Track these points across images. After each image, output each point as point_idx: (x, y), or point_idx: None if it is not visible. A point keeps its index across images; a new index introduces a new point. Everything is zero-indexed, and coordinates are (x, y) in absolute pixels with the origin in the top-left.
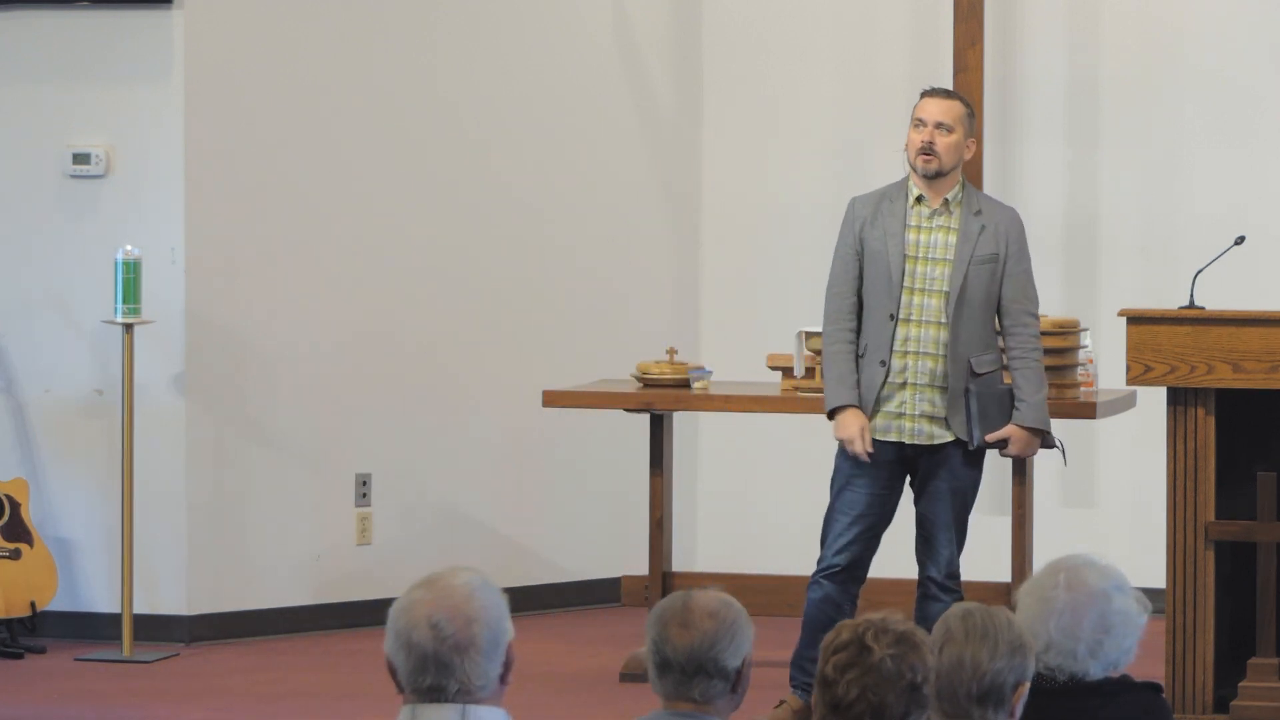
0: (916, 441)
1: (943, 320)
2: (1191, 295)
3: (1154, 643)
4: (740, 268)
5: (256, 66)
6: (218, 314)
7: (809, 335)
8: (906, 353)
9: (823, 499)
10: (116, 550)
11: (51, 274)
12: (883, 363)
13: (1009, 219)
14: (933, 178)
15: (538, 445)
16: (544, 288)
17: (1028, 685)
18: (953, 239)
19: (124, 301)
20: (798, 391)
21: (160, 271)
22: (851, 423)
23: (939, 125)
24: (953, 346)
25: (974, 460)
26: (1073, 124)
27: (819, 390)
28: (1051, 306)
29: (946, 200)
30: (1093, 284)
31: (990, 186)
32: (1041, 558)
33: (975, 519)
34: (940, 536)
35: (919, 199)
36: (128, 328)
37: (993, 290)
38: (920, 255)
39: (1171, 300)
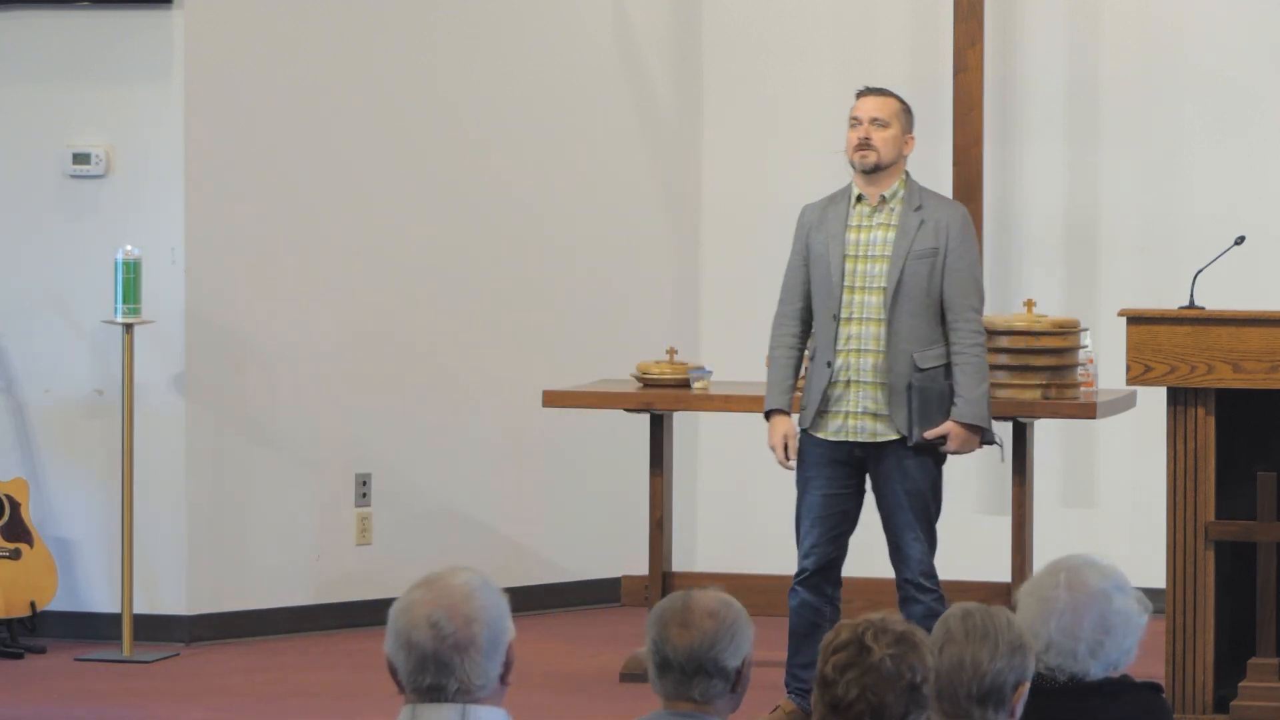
0: (860, 439)
1: (882, 316)
2: (1191, 295)
3: (1154, 643)
4: (740, 268)
5: (256, 66)
6: (218, 314)
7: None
8: (849, 350)
9: None
10: (116, 550)
11: (51, 274)
12: (829, 363)
13: (951, 214)
14: (871, 172)
15: (538, 445)
16: (544, 288)
17: (1028, 685)
18: (891, 235)
19: (124, 301)
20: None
21: (160, 271)
22: (775, 430)
23: (874, 120)
24: (892, 342)
25: (926, 458)
26: (1073, 124)
27: None
28: (1051, 306)
29: (884, 197)
30: (1093, 284)
31: (990, 186)
32: (1041, 558)
33: (975, 519)
34: (905, 537)
35: (859, 198)
36: (128, 328)
37: (934, 285)
38: (860, 254)
39: (1171, 300)
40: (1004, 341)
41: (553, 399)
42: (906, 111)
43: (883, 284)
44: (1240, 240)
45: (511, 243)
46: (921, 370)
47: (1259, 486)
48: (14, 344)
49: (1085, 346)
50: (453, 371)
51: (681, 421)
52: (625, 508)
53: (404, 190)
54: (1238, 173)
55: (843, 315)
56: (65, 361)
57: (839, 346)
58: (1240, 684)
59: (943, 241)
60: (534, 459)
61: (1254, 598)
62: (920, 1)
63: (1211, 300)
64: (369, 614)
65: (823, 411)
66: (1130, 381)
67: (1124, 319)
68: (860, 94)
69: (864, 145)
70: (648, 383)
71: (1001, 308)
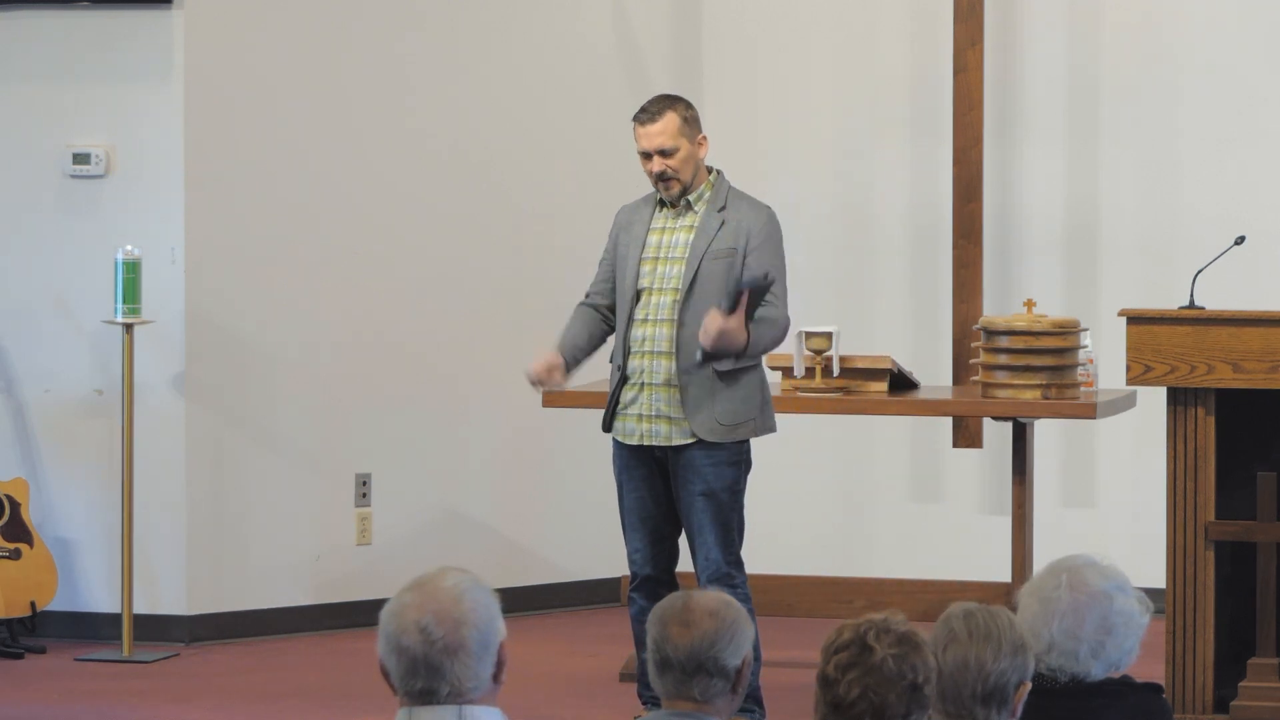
0: (656, 442)
1: (673, 317)
2: (1191, 295)
3: (1154, 643)
4: None
5: (257, 67)
6: (218, 314)
7: (809, 335)
8: (643, 353)
9: (822, 500)
10: (116, 550)
11: (51, 274)
12: (620, 367)
13: (755, 215)
14: (681, 195)
15: (538, 445)
16: (544, 288)
17: (1029, 685)
18: (692, 236)
19: (124, 301)
20: (798, 391)
21: (160, 271)
22: (537, 357)
23: (661, 152)
24: (684, 344)
25: (722, 461)
26: (1073, 124)
27: (819, 390)
28: (1051, 306)
29: (689, 201)
30: (1093, 284)
31: (990, 186)
32: (1041, 558)
33: (975, 519)
34: (695, 541)
35: (661, 202)
36: (128, 328)
37: (732, 285)
38: (661, 256)
39: (1171, 300)
40: (1004, 341)
41: (552, 399)
42: (686, 118)
43: (676, 285)
44: (1240, 240)
45: (511, 242)
46: (718, 372)
47: (1259, 486)
48: (14, 344)
49: (1085, 346)
50: (453, 371)
51: None
52: None
53: (403, 190)
54: (1237, 172)
55: (638, 316)
56: (65, 361)
57: (633, 349)
58: (1240, 684)
59: (742, 242)
60: (534, 459)
61: (1254, 598)
62: (920, 1)
63: (1211, 300)
64: (368, 614)
65: (618, 414)
66: (1130, 381)
67: (1124, 319)
68: (636, 121)
69: (663, 178)
70: None
71: (1001, 308)
